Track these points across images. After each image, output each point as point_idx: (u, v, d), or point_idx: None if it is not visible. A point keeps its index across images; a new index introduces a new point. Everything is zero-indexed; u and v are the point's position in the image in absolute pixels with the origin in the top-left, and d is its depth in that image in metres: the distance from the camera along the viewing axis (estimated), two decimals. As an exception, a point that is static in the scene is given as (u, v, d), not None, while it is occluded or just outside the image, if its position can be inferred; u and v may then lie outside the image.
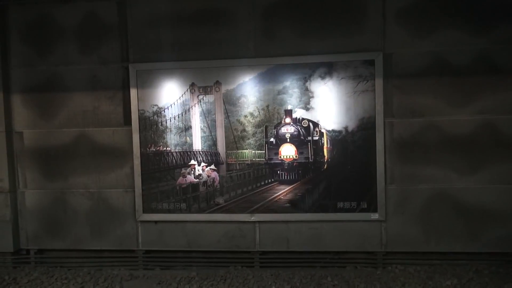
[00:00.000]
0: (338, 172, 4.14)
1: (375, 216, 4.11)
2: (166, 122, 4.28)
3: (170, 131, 4.28)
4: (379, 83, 4.02)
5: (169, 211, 4.30)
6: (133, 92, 4.27)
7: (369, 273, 4.07)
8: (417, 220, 4.13)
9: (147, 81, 4.26)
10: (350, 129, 4.09)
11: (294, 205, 4.19)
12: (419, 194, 4.12)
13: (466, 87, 4.02)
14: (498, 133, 4.01)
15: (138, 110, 4.28)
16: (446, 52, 4.02)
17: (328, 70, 4.08)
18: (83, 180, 4.43)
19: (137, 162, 4.30)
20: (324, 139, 4.14)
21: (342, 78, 4.07)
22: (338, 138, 4.12)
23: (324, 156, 4.16)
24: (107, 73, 4.36)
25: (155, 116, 4.28)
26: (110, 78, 4.36)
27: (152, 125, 4.29)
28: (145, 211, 4.32)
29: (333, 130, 4.12)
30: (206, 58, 4.22)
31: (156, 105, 4.28)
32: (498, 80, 3.98)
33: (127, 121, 4.34)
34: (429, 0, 3.99)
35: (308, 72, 4.09)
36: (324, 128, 4.13)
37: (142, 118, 4.29)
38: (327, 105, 4.10)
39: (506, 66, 3.96)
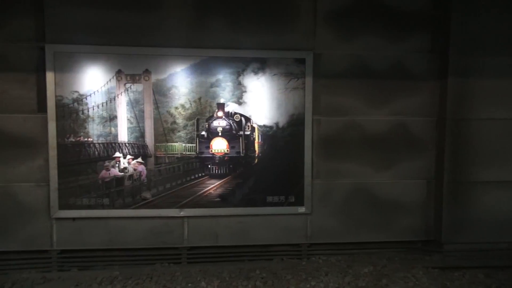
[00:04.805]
0: (268, 167, 4.21)
1: (302, 209, 4.27)
2: (88, 111, 3.94)
3: (93, 120, 3.96)
4: (308, 81, 4.17)
5: (89, 207, 3.98)
6: (49, 76, 3.85)
7: (294, 264, 4.22)
8: (338, 213, 4.38)
9: (67, 65, 3.87)
10: (280, 124, 4.19)
11: (224, 199, 4.17)
12: (341, 188, 4.38)
13: (383, 90, 4.35)
14: (409, 133, 4.41)
15: (55, 96, 3.87)
16: (367, 56, 4.30)
17: (261, 65, 4.11)
18: (-15, 173, 3.90)
19: (53, 153, 3.89)
20: (256, 134, 4.19)
21: (274, 75, 4.14)
22: (269, 133, 4.19)
23: (255, 151, 4.21)
24: (17, 52, 3.88)
25: (75, 104, 3.92)
26: (21, 59, 3.88)
27: (71, 113, 3.92)
28: (61, 207, 3.94)
29: (264, 125, 4.18)
30: (134, 44, 3.97)
31: (76, 91, 3.92)
32: (410, 85, 4.38)
33: (42, 107, 3.90)
34: (354, 5, 4.24)
35: (242, 66, 4.09)
36: (256, 123, 4.17)
37: (60, 105, 3.90)
38: (260, 100, 4.14)
39: (417, 73, 4.36)
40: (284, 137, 4.20)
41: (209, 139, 4.14)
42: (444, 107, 4.30)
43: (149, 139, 4.05)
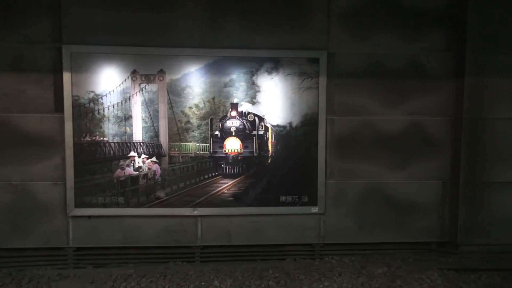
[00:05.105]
0: (281, 167, 4.21)
1: (315, 209, 4.26)
2: (103, 111, 3.99)
3: (108, 120, 4.01)
4: (322, 81, 4.16)
5: (104, 205, 4.03)
6: (66, 76, 3.92)
7: (307, 264, 4.21)
8: (352, 213, 4.35)
9: (83, 65, 3.93)
10: (294, 124, 4.18)
11: (237, 199, 4.18)
12: (354, 188, 4.35)
13: (398, 90, 4.31)
14: (424, 133, 4.36)
15: (72, 96, 3.94)
16: (382, 55, 4.27)
17: (274, 65, 4.11)
18: (4, 172, 3.97)
19: (69, 152, 3.96)
20: (269, 134, 4.19)
21: (288, 74, 4.14)
22: (283, 133, 4.18)
23: (269, 151, 4.21)
24: (34, 53, 3.95)
25: (91, 104, 3.97)
26: (38, 60, 3.96)
27: (87, 113, 3.98)
28: (77, 205, 4.00)
29: (277, 125, 4.18)
30: (149, 45, 4.01)
31: (92, 91, 3.97)
32: (426, 85, 4.33)
33: (59, 107, 3.97)
34: (369, 4, 4.20)
35: (255, 66, 4.10)
36: (269, 123, 4.17)
37: (76, 105, 3.96)
38: (273, 100, 4.14)
39: (432, 72, 4.31)
40: (297, 137, 4.19)
41: (222, 138, 4.15)
42: (460, 107, 4.24)
43: (163, 139, 4.08)
